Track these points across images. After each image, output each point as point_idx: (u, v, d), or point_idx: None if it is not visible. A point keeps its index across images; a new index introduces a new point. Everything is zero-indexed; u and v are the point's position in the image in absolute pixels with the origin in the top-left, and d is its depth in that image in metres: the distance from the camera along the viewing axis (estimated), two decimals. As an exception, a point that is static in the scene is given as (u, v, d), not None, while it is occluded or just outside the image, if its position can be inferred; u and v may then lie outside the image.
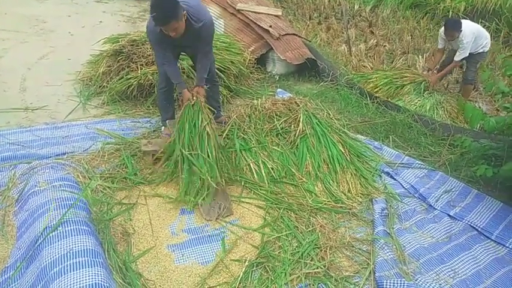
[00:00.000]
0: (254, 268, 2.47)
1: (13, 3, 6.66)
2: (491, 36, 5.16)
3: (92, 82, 4.36)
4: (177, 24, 2.80)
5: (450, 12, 7.47)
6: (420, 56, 6.08)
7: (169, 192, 3.05)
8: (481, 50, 4.87)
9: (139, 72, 4.05)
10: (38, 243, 2.27)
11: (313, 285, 2.42)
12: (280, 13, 5.76)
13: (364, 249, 2.74)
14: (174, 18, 2.75)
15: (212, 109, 3.34)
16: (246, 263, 2.49)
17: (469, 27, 4.73)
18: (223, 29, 5.49)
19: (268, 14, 5.55)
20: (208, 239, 2.71)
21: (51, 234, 2.28)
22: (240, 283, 2.35)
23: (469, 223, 3.09)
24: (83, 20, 6.32)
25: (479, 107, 5.08)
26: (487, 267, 2.72)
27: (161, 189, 3.08)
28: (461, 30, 4.63)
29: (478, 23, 5.17)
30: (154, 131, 3.74)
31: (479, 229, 3.03)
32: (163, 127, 3.62)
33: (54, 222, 2.35)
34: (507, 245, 2.89)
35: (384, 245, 2.71)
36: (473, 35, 4.68)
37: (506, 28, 7.09)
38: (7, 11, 6.22)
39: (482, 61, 5.20)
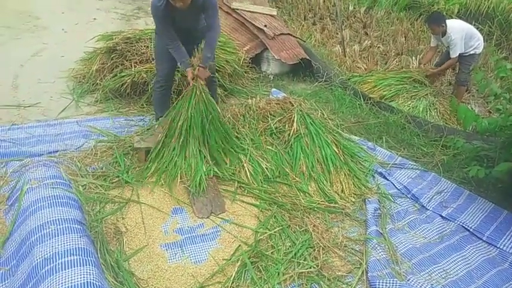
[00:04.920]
0: (247, 268, 2.46)
1: (6, -1, 6.60)
2: (484, 38, 5.20)
3: (85, 80, 4.32)
4: None
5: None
6: (414, 58, 6.10)
7: (161, 191, 3.04)
8: (473, 52, 4.91)
9: (133, 70, 4.02)
10: (29, 241, 2.24)
11: (306, 285, 2.42)
12: (275, 13, 5.76)
13: (357, 249, 2.75)
14: None
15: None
16: (239, 263, 2.49)
17: (458, 25, 4.82)
18: (218, 28, 5.47)
19: (263, 14, 5.55)
20: (201, 238, 2.70)
21: (42, 232, 2.26)
22: (233, 283, 2.35)
23: (461, 224, 3.11)
24: (77, 17, 6.25)
25: (472, 109, 5.12)
26: (479, 268, 2.75)
27: (154, 188, 3.06)
28: (443, 26, 4.73)
29: (472, 25, 5.21)
30: (148, 129, 3.71)
31: (471, 230, 3.06)
32: (156, 125, 3.59)
33: (46, 220, 2.33)
34: (498, 246, 2.92)
35: (376, 245, 2.72)
36: (463, 32, 4.75)
37: (499, 31, 7.15)
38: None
39: (475, 63, 5.24)
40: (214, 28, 3.20)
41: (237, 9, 5.49)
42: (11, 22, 5.69)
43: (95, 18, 6.32)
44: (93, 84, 4.24)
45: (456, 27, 4.78)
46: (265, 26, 5.21)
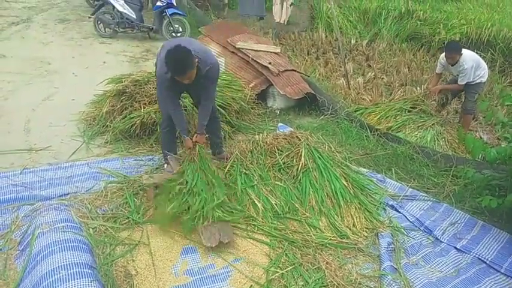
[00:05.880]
0: (260, 309, 2.42)
1: (18, 46, 6.84)
2: (487, 66, 5.26)
3: (95, 122, 4.41)
4: (192, 72, 2.95)
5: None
6: (418, 88, 6.16)
7: (171, 231, 3.03)
8: (479, 80, 4.95)
9: (142, 111, 4.10)
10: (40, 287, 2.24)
11: (321, 325, 2.36)
12: (279, 50, 5.89)
13: (372, 286, 2.69)
14: (189, 67, 2.91)
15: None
16: (252, 304, 2.44)
17: (468, 54, 4.87)
18: (224, 67, 5.60)
19: (268, 52, 5.68)
20: (212, 279, 2.66)
21: (53, 278, 2.25)
22: (245, 325, 2.30)
23: (476, 256, 3.04)
24: (87, 61, 6.46)
25: (480, 137, 5.10)
26: (499, 302, 2.66)
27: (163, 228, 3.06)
28: (461, 54, 4.76)
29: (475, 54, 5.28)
30: (157, 168, 3.75)
31: (487, 262, 2.98)
32: (165, 164, 3.63)
33: (57, 265, 2.33)
34: (517, 278, 2.84)
35: (391, 282, 2.66)
36: (473, 61, 4.81)
37: (502, 58, 7.23)
38: (13, 54, 6.38)
39: (481, 91, 5.27)
40: (210, 98, 3.35)
41: (242, 48, 5.63)
42: (23, 68, 5.88)
43: (104, 62, 6.51)
44: (103, 126, 4.32)
45: (468, 56, 4.83)
46: (270, 63, 5.32)
